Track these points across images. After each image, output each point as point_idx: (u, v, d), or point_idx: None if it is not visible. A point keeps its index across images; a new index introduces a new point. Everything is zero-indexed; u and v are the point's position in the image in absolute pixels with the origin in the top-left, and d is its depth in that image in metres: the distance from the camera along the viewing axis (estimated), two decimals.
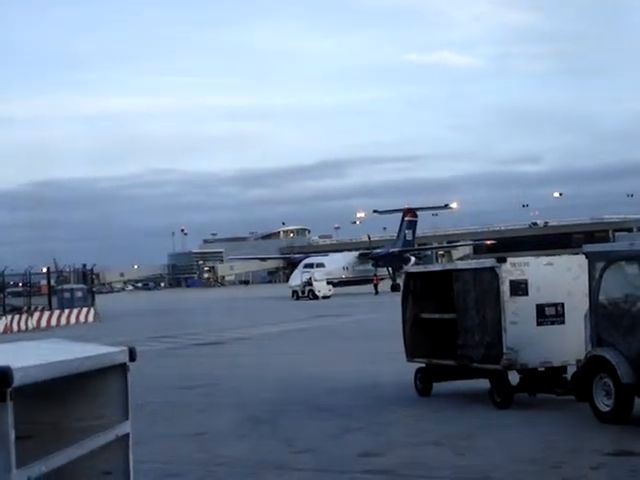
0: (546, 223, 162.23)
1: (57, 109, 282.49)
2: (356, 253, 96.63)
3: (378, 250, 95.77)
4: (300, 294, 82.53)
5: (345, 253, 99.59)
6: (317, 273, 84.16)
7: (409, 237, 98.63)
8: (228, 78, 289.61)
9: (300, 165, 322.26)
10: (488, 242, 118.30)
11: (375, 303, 64.98)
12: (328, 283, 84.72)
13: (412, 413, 17.35)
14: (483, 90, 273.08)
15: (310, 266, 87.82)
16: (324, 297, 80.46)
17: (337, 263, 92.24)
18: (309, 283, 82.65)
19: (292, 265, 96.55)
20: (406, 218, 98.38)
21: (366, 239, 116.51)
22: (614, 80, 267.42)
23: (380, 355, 27.02)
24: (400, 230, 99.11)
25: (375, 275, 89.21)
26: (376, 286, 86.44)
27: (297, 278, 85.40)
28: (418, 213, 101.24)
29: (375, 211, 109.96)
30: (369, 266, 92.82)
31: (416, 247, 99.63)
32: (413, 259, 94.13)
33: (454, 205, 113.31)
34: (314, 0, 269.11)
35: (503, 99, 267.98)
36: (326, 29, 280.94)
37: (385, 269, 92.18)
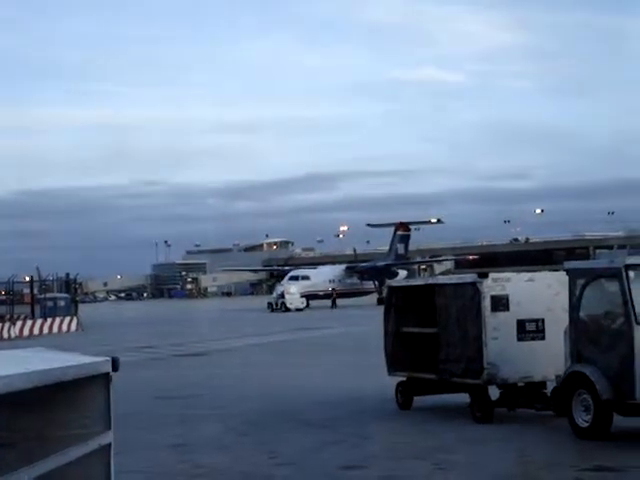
0: (527, 239, 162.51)
1: (43, 118, 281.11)
2: (343, 266, 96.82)
3: (364, 264, 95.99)
4: (274, 306, 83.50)
5: (332, 266, 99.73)
6: (293, 286, 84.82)
7: (401, 251, 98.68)
8: (215, 91, 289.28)
9: (285, 178, 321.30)
10: (470, 257, 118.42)
11: (346, 316, 64.98)
12: (310, 296, 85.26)
13: (393, 426, 17.42)
14: (468, 106, 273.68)
15: (295, 279, 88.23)
16: (297, 310, 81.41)
17: (324, 276, 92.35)
18: (282, 296, 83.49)
19: (278, 277, 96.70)
20: (398, 232, 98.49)
21: (350, 252, 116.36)
22: (599, 98, 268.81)
23: (361, 368, 27.04)
24: (392, 244, 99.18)
25: (333, 290, 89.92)
26: (334, 300, 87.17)
27: (276, 291, 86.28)
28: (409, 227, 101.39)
29: (368, 224, 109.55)
30: (356, 279, 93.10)
31: (400, 262, 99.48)
32: (405, 272, 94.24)
33: (442, 220, 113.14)
34: (301, 16, 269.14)
35: (488, 116, 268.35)
36: (312, 44, 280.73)
37: (372, 282, 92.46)
